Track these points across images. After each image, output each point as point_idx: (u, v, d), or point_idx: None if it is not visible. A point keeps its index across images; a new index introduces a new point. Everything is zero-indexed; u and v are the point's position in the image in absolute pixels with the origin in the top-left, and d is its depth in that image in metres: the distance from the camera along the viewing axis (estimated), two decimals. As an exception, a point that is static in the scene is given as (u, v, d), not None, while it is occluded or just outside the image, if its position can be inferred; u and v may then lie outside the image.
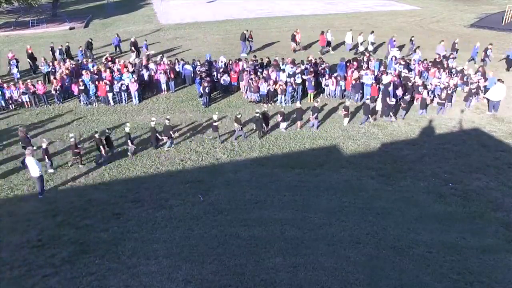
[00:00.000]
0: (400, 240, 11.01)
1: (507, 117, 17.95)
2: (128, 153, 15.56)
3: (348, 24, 34.16)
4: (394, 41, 24.36)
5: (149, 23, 37.27)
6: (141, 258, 10.47)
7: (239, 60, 22.22)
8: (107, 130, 16.10)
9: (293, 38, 27.20)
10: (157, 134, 15.85)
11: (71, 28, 36.02)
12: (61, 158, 15.48)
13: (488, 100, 18.36)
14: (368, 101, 17.95)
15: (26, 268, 10.22)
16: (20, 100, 19.93)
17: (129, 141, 15.43)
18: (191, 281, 9.73)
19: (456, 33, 29.85)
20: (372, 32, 26.10)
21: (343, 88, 20.02)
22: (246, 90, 20.28)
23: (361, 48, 25.79)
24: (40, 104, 20.10)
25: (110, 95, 19.97)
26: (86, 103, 20.02)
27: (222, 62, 22.27)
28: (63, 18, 38.50)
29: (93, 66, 22.26)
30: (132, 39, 26.05)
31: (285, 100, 19.61)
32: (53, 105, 20.11)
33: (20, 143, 15.89)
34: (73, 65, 22.61)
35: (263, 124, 16.62)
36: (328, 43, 26.73)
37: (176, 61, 23.13)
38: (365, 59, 22.18)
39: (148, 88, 21.24)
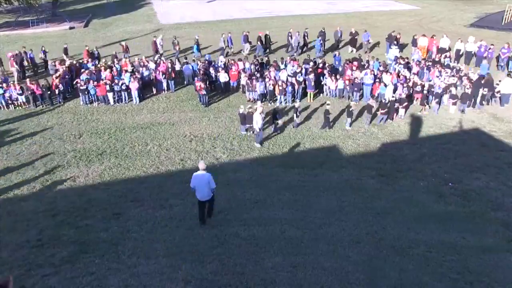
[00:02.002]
0: (400, 240, 11.00)
1: (507, 117, 17.95)
2: (293, 126, 17.34)
3: (348, 24, 34.17)
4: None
5: (149, 23, 37.27)
6: (141, 258, 10.45)
7: (239, 60, 22.23)
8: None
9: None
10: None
11: (71, 28, 36.02)
12: (61, 157, 15.52)
13: (500, 97, 18.63)
14: (328, 107, 17.05)
15: (26, 268, 10.19)
16: (19, 99, 19.96)
17: (297, 113, 17.15)
18: (191, 280, 9.71)
19: (456, 33, 29.82)
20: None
21: (341, 87, 20.00)
22: (245, 89, 20.30)
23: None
24: (37, 104, 20.08)
25: (110, 94, 19.97)
26: (86, 102, 20.02)
27: (221, 62, 22.30)
28: (63, 18, 38.48)
29: (93, 65, 22.30)
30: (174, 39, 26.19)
31: (285, 99, 19.60)
32: (53, 104, 20.11)
33: None
34: (74, 65, 22.65)
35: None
36: (442, 50, 22.99)
37: (177, 60, 23.15)
38: (366, 58, 22.18)
39: (148, 87, 21.25)
